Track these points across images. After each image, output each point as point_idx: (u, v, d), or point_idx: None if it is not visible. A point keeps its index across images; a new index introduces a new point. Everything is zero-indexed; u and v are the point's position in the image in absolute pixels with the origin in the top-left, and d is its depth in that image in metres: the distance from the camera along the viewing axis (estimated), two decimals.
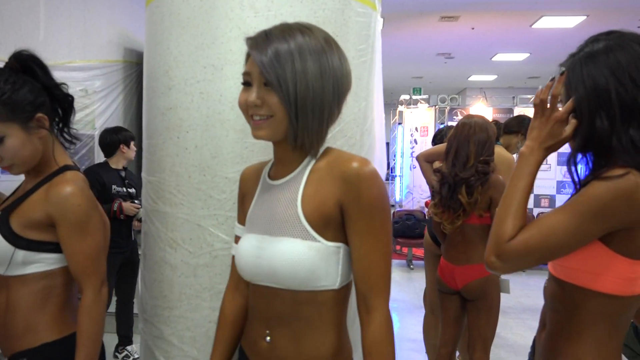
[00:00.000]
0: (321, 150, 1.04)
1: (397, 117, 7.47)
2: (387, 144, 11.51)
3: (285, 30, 0.97)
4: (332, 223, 0.97)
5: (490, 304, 2.48)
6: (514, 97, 7.62)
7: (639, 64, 1.01)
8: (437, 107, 7.33)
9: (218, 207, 1.43)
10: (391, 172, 8.67)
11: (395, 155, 8.42)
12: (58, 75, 1.33)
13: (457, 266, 2.49)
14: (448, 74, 11.59)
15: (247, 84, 1.00)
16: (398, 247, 7.01)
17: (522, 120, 3.25)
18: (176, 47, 1.48)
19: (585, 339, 1.06)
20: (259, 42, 0.96)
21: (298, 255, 0.95)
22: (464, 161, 2.44)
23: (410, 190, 7.61)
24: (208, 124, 1.43)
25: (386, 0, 7.38)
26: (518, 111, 7.12)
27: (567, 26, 7.57)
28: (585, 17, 7.15)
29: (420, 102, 7.25)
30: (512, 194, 1.06)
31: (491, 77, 12.04)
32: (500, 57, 9.78)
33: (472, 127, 2.47)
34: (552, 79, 1.06)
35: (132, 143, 3.39)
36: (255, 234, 1.04)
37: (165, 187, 1.49)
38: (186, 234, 1.45)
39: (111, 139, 3.32)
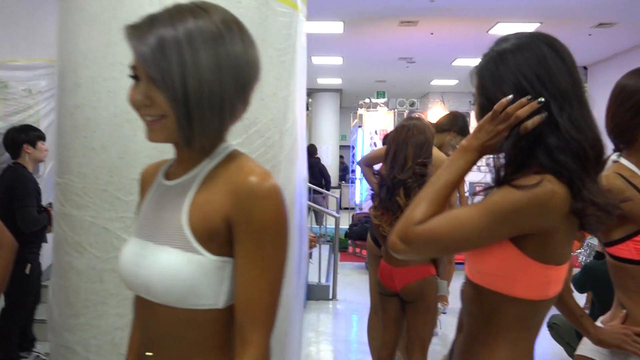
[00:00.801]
0: (226, 150, 0.93)
1: (357, 120, 7.51)
2: (349, 146, 11.61)
3: (175, 14, 0.83)
4: (219, 237, 0.87)
5: (428, 305, 2.49)
6: (470, 101, 7.76)
7: (544, 62, 1.02)
8: (396, 110, 7.40)
9: (125, 210, 1.38)
10: (352, 175, 8.69)
11: (355, 158, 8.46)
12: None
13: (395, 268, 2.49)
14: (411, 78, 11.72)
15: (135, 78, 0.87)
16: (358, 250, 7.06)
17: (454, 117, 3.20)
18: (85, 44, 1.43)
19: (499, 342, 1.06)
20: (141, 29, 0.82)
21: (175, 269, 0.85)
22: (402, 163, 2.45)
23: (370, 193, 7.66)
24: (116, 124, 1.39)
25: (345, 4, 7.37)
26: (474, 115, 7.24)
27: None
28: (539, 24, 7.33)
29: (380, 106, 7.31)
30: (436, 182, 1.04)
31: (452, 82, 12.22)
32: (460, 62, 9.93)
33: (410, 129, 2.48)
34: (529, 99, 1.00)
35: (39, 143, 3.11)
36: (139, 239, 0.94)
37: (72, 188, 1.44)
38: (92, 238, 1.40)
39: (13, 138, 3.03)
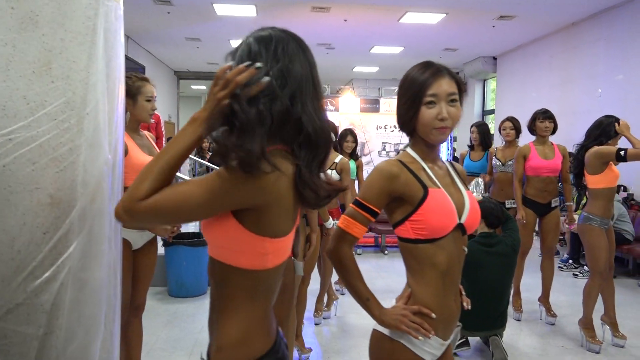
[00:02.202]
0: None
1: None
2: None
3: None
4: None
5: (284, 288, 2.57)
6: (379, 88, 7.95)
7: (283, 53, 1.09)
8: None
9: None
10: None
11: None
12: None
13: None
14: (333, 65, 11.83)
15: None
16: None
17: None
18: None
19: (230, 311, 1.13)
20: None
21: None
22: None
23: None
24: None
25: None
26: (383, 102, 7.43)
27: (430, 22, 8.00)
28: (445, 15, 7.59)
29: None
30: (163, 156, 1.04)
31: (374, 69, 12.45)
32: (377, 50, 10.13)
33: None
34: (248, 65, 1.04)
35: None
36: None
37: None
38: None
39: None
